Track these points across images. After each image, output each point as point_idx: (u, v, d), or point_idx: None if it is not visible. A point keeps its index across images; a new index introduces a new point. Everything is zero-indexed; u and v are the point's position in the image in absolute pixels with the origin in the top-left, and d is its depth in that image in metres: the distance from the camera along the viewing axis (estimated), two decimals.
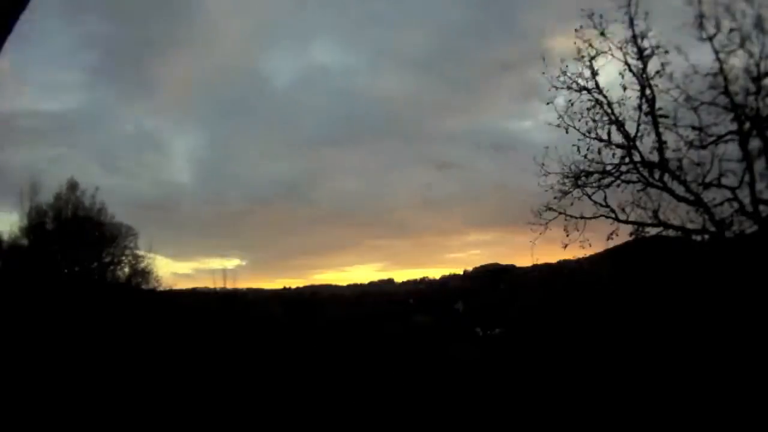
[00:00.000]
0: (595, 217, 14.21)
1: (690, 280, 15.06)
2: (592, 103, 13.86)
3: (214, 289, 36.70)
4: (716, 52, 12.77)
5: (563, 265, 28.11)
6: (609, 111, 13.78)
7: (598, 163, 14.01)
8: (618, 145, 13.84)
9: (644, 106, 13.46)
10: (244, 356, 15.33)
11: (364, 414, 9.71)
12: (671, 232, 13.66)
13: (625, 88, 13.58)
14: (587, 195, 14.19)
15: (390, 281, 74.72)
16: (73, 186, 27.96)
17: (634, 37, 13.35)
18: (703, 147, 13.06)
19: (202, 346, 17.03)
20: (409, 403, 10.26)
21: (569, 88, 13.95)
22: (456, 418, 9.45)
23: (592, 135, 13.93)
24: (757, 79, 12.46)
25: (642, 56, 13.36)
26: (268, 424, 9.46)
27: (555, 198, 14.32)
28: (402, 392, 11.00)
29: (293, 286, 74.85)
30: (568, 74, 13.91)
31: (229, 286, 36.62)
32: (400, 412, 9.70)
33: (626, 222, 13.90)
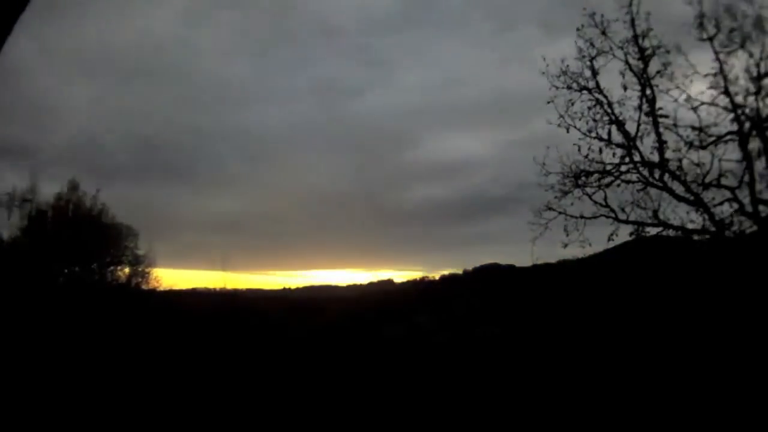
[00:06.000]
0: (595, 217, 14.22)
1: (690, 280, 15.04)
2: (593, 102, 13.89)
3: (214, 289, 36.75)
4: (716, 52, 12.80)
5: (563, 265, 28.08)
6: (609, 111, 13.80)
7: (598, 162, 14.02)
8: (618, 145, 13.85)
9: (645, 106, 13.48)
10: (243, 361, 15.33)
11: (365, 418, 9.71)
12: (671, 232, 13.66)
13: (625, 88, 13.62)
14: (587, 195, 14.20)
15: (390, 281, 74.70)
16: (74, 186, 27.97)
17: (635, 36, 13.37)
18: (703, 147, 13.07)
19: (200, 351, 17.04)
20: (410, 405, 10.26)
21: (570, 87, 13.98)
22: (457, 418, 9.45)
23: (593, 135, 13.95)
24: (757, 79, 12.47)
25: (643, 56, 13.36)
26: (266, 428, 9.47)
27: (555, 198, 14.35)
28: (403, 395, 11.01)
29: (293, 287, 74.88)
30: (569, 74, 13.94)
31: (230, 286, 36.71)
32: (401, 415, 9.70)
33: (626, 222, 13.89)
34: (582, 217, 14.22)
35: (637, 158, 13.72)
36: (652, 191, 13.63)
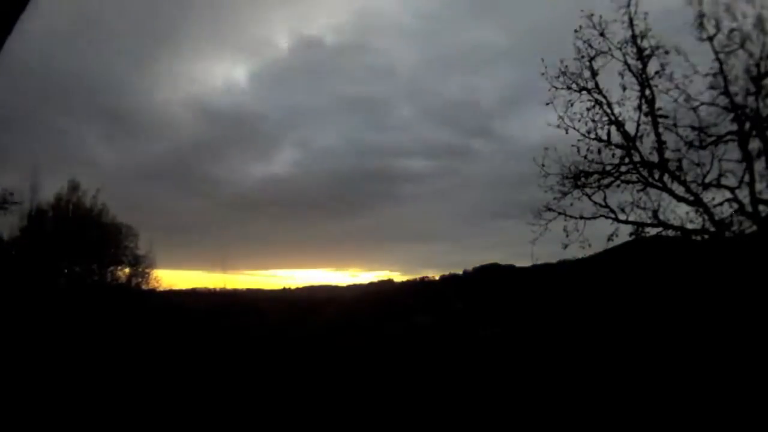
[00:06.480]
0: (594, 218, 14.23)
1: (690, 281, 15.05)
2: (592, 103, 13.89)
3: (214, 289, 36.87)
4: (716, 52, 12.81)
5: (563, 265, 28.09)
6: (609, 111, 13.81)
7: (597, 163, 14.03)
8: (618, 146, 13.85)
9: (644, 107, 13.49)
10: (243, 361, 15.33)
11: (365, 417, 9.72)
12: (671, 232, 13.66)
13: (624, 89, 13.62)
14: (587, 195, 14.21)
15: (389, 281, 74.64)
16: (74, 186, 28.01)
17: (634, 37, 13.37)
18: (703, 147, 13.09)
19: (199, 351, 17.05)
20: (411, 404, 10.28)
21: (569, 88, 13.97)
22: (457, 417, 9.46)
23: (592, 135, 13.95)
24: (757, 79, 12.48)
25: (642, 56, 13.37)
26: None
27: (555, 198, 14.35)
28: (403, 394, 11.02)
29: (293, 288, 74.90)
30: (568, 74, 13.94)
31: (229, 287, 36.86)
32: (401, 415, 9.71)
33: (626, 222, 13.91)
34: (582, 217, 14.24)
35: (636, 159, 13.73)
36: (652, 191, 13.65)
